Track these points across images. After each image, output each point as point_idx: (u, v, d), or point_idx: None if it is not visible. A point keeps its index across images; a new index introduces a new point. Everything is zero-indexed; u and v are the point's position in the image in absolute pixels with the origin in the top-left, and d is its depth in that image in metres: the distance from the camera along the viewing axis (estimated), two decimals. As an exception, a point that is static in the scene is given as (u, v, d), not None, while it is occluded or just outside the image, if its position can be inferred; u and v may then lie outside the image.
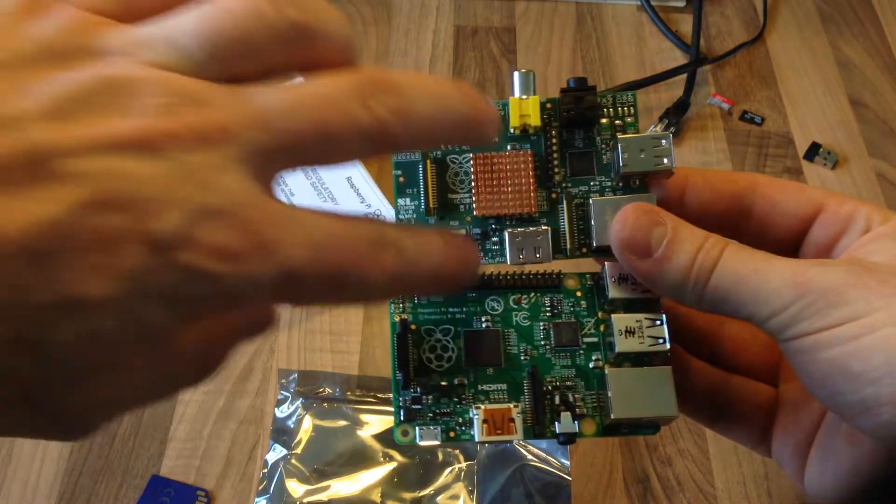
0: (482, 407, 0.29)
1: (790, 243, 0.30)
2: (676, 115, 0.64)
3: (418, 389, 0.30)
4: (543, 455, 0.47)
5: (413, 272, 0.22)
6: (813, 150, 0.63)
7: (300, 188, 0.55)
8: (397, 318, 0.31)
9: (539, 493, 0.46)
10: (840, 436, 0.28)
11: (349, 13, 0.71)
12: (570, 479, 0.46)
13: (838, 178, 0.62)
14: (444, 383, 0.30)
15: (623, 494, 0.48)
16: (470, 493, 0.47)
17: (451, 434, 0.30)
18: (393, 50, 0.69)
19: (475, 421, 0.29)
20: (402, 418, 0.30)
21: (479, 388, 0.30)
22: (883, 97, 0.67)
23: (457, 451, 0.48)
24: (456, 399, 0.30)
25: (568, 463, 0.47)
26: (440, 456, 0.48)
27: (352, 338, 0.54)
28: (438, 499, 0.46)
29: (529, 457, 0.47)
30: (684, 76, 0.67)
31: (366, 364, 0.52)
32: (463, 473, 0.47)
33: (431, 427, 0.30)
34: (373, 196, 0.55)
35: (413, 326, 0.31)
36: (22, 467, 0.48)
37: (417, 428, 0.30)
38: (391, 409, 0.50)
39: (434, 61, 0.69)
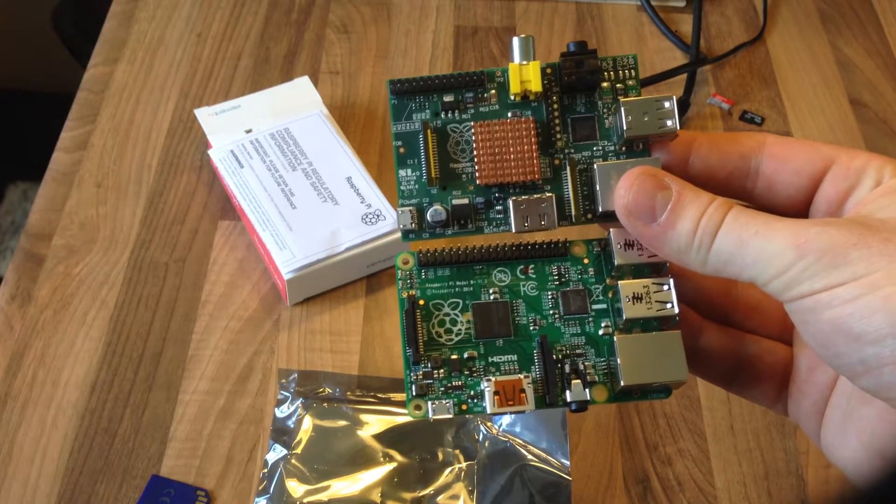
0: (493, 379, 0.29)
1: (800, 202, 0.29)
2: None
3: (429, 364, 0.30)
4: (543, 455, 0.47)
5: None
6: (813, 150, 0.63)
7: (300, 188, 0.55)
8: (405, 295, 0.31)
9: (539, 493, 0.46)
10: (855, 397, 0.28)
11: (349, 13, 0.71)
12: (570, 479, 0.46)
13: (838, 178, 0.62)
14: (454, 357, 0.30)
15: (623, 494, 0.48)
16: (470, 493, 0.47)
17: (464, 407, 0.29)
18: (393, 50, 0.69)
19: (486, 393, 0.29)
20: (413, 393, 0.30)
21: (490, 360, 0.30)
22: (883, 97, 0.67)
23: (457, 451, 0.48)
24: (467, 372, 0.30)
25: (568, 463, 0.47)
26: (440, 456, 0.48)
27: (352, 338, 0.54)
28: (438, 499, 0.46)
29: (529, 457, 0.47)
30: (684, 76, 0.67)
31: (366, 364, 0.52)
32: (463, 473, 0.47)
33: (443, 401, 0.29)
34: (373, 196, 0.55)
35: (421, 302, 0.30)
36: (22, 467, 0.48)
37: (429, 402, 0.29)
38: (391, 409, 0.50)
39: (434, 61, 0.69)
